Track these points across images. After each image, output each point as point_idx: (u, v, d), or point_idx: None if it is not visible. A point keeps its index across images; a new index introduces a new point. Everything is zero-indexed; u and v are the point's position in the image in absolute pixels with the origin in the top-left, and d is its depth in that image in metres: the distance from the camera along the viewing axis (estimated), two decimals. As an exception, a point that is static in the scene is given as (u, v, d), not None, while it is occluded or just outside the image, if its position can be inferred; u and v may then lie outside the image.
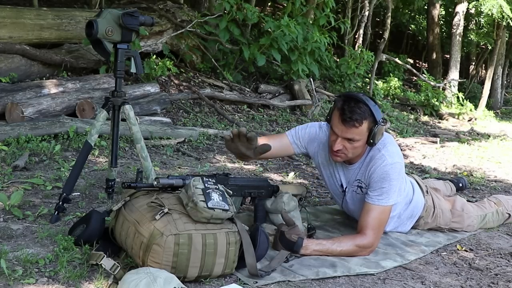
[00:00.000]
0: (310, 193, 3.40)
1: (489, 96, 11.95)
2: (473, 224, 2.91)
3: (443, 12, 15.02)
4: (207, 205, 1.93)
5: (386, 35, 10.04)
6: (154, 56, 5.97)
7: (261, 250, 2.13)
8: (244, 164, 4.17)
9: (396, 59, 10.56)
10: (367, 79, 9.18)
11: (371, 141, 2.36)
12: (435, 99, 9.40)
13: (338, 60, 9.14)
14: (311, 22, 7.56)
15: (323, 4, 7.48)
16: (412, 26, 15.53)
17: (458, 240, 2.78)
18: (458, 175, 4.29)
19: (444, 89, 10.39)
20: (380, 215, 2.40)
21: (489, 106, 11.82)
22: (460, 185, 3.61)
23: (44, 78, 4.94)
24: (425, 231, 2.83)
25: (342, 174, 2.58)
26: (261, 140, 2.50)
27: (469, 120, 9.42)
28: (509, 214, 3.09)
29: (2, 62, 4.63)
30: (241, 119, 5.98)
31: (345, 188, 2.59)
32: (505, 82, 14.93)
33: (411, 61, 15.18)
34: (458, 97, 10.48)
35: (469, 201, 3.25)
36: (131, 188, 2.12)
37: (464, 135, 7.44)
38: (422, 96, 9.47)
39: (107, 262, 1.92)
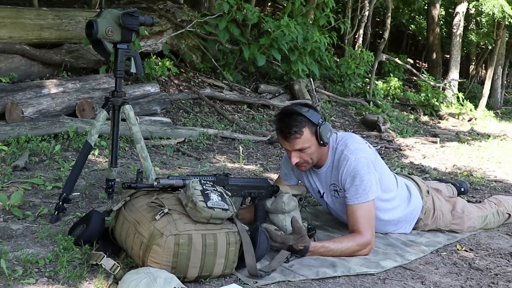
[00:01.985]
0: (310, 193, 3.40)
1: (489, 96, 11.95)
2: (474, 226, 2.91)
3: (443, 12, 15.02)
4: (206, 204, 1.93)
5: (386, 35, 10.03)
6: (154, 56, 5.97)
7: (261, 250, 2.13)
8: (244, 164, 4.17)
9: (396, 59, 10.55)
10: (367, 79, 9.18)
11: (321, 142, 2.41)
12: (435, 99, 9.39)
13: (338, 60, 9.14)
14: (311, 22, 7.57)
15: (323, 4, 7.49)
16: (412, 26, 15.52)
17: (458, 240, 2.78)
18: (460, 178, 4.28)
19: (444, 89, 10.38)
20: (365, 212, 2.41)
21: (489, 106, 11.82)
22: (462, 189, 3.57)
23: (44, 78, 4.94)
24: (425, 231, 2.83)
25: (316, 180, 2.62)
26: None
27: (469, 120, 9.41)
28: (509, 214, 3.09)
29: (2, 62, 4.63)
30: (241, 119, 5.98)
31: (323, 194, 2.62)
32: (505, 82, 14.91)
33: (411, 61, 15.18)
34: (458, 97, 10.47)
35: (469, 201, 3.25)
36: (131, 188, 2.12)
37: (464, 135, 7.44)
38: (422, 96, 9.46)
39: (107, 262, 1.92)
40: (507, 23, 10.35)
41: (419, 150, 5.69)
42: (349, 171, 2.41)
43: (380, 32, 12.90)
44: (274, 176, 3.83)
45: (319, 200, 2.75)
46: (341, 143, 2.48)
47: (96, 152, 3.75)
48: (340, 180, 2.46)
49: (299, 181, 2.79)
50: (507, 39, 12.84)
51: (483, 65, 15.21)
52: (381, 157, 3.14)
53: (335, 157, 2.49)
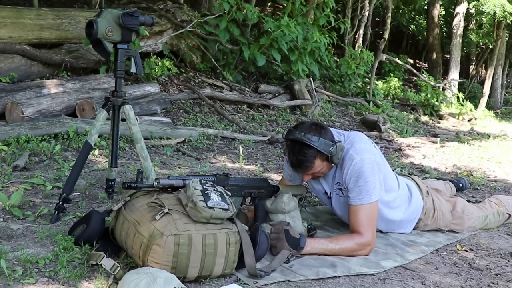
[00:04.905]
0: (310, 193, 3.40)
1: (489, 96, 11.93)
2: (474, 225, 2.91)
3: (443, 12, 15.01)
4: (206, 204, 1.93)
5: (386, 35, 10.03)
6: (154, 56, 5.97)
7: (261, 250, 2.13)
8: (244, 164, 4.17)
9: (396, 59, 10.54)
10: (367, 79, 9.17)
11: (332, 164, 2.44)
12: (435, 99, 9.38)
13: (338, 60, 9.13)
14: (311, 22, 7.56)
15: (323, 4, 7.48)
16: (412, 26, 15.51)
17: (458, 240, 2.78)
18: (458, 175, 4.29)
19: (444, 89, 10.36)
20: (367, 213, 2.41)
21: (489, 106, 11.81)
22: (461, 185, 3.61)
23: (44, 78, 4.94)
24: (425, 231, 2.83)
25: (323, 182, 2.62)
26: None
27: (469, 120, 9.40)
28: (510, 214, 3.09)
29: (2, 62, 4.63)
30: (241, 119, 5.98)
31: (330, 194, 2.61)
32: (505, 82, 14.89)
33: (411, 61, 15.17)
34: (458, 97, 10.46)
35: (469, 201, 3.25)
36: (131, 188, 2.12)
37: (464, 135, 7.43)
38: (422, 96, 9.46)
39: (107, 262, 1.93)
40: (509, 21, 10.33)
41: (419, 150, 5.69)
42: (353, 171, 2.40)
43: (380, 32, 12.89)
44: (274, 176, 3.83)
45: (324, 201, 2.74)
46: (347, 142, 2.47)
47: (96, 152, 3.75)
48: (344, 179, 2.46)
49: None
50: (507, 39, 12.82)
51: (483, 65, 15.19)
52: (381, 157, 3.13)
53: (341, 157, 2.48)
